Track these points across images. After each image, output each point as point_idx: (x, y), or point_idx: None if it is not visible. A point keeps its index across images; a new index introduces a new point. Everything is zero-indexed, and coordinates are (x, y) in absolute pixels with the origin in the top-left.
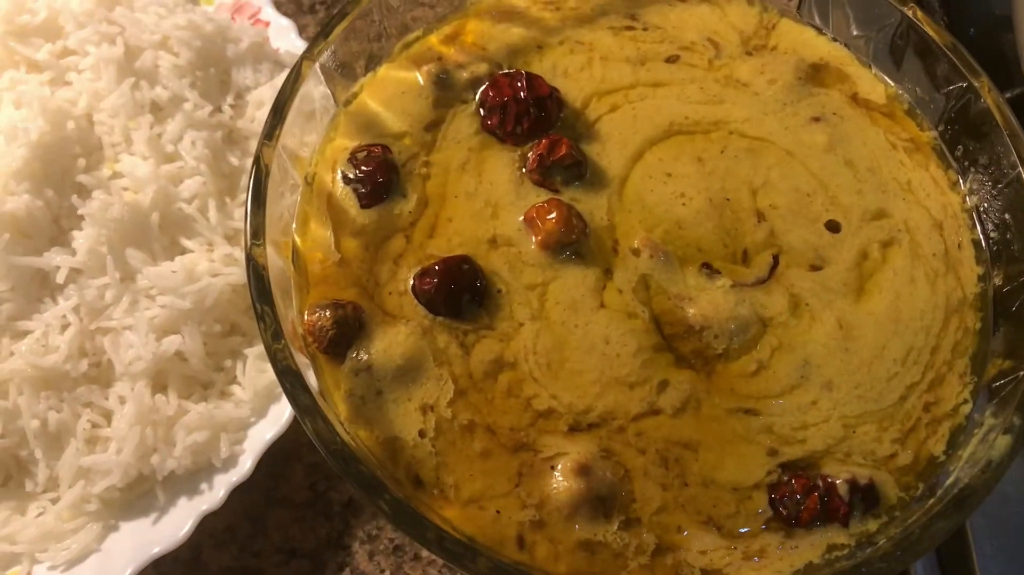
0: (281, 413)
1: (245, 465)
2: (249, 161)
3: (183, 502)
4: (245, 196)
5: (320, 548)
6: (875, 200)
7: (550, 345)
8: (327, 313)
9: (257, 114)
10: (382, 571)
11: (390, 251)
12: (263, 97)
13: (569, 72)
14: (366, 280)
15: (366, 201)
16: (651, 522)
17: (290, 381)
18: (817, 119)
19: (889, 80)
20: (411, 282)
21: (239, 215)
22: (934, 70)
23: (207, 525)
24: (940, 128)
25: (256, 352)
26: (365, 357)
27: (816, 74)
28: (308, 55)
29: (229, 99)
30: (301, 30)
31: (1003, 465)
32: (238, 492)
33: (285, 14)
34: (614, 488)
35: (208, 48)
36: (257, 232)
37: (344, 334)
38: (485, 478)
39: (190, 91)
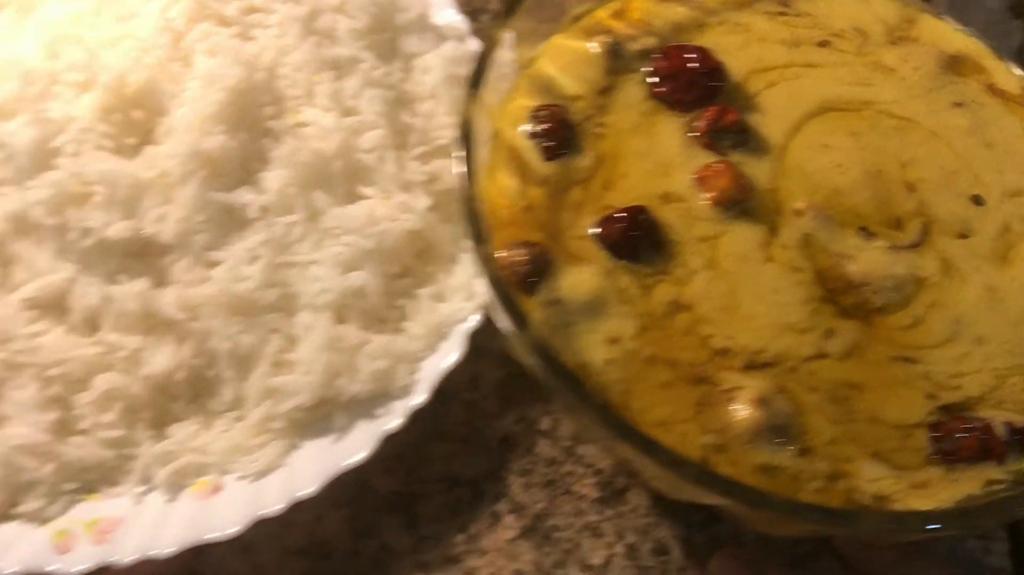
0: (450, 349)
1: (422, 393)
2: (418, 120)
3: (363, 424)
4: (420, 150)
5: (479, 479)
6: (1015, 180)
7: (723, 291)
8: (522, 251)
9: (424, 79)
10: (536, 502)
11: (571, 200)
12: (429, 64)
13: (729, 50)
14: (550, 225)
15: (548, 155)
16: (824, 452)
17: (501, 291)
18: (959, 104)
19: (1021, 72)
20: (594, 228)
21: (413, 168)
22: None
23: (375, 452)
24: None
25: (427, 293)
26: (555, 292)
27: (955, 65)
28: (502, 23)
29: (398, 64)
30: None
31: None
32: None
33: None
34: (789, 419)
35: (381, 15)
36: (469, 175)
37: (536, 270)
38: (668, 406)
39: (367, 52)
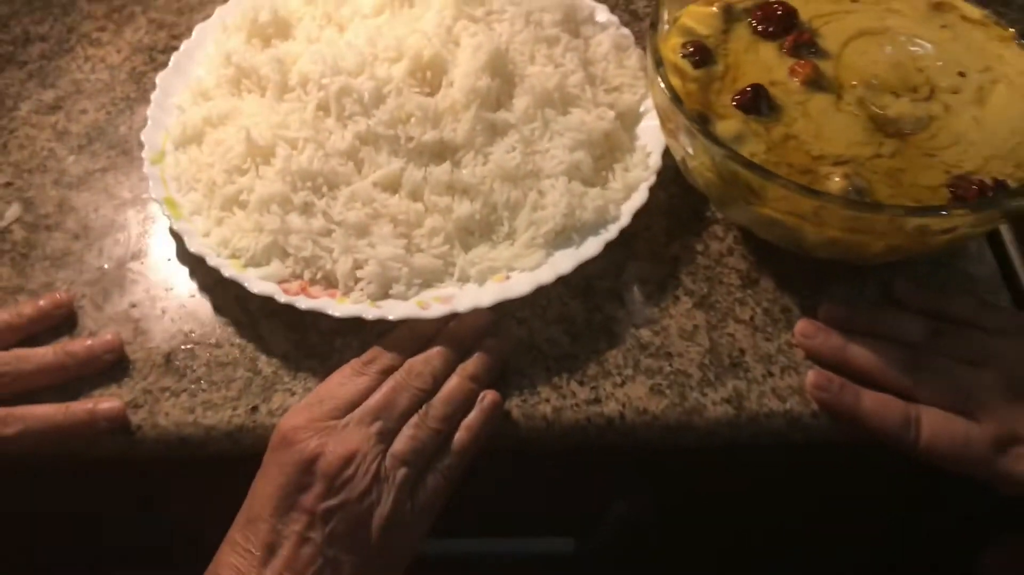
0: (639, 197)
1: (627, 217)
2: (599, 70)
3: (591, 239)
4: (603, 87)
5: (663, 278)
6: (981, 62)
7: (813, 128)
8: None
9: (599, 49)
10: (701, 289)
11: (714, 88)
12: (600, 40)
13: (798, 5)
14: (704, 103)
15: (696, 65)
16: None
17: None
18: (943, 26)
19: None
20: (732, 99)
21: (599, 96)
22: None
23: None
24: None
25: (619, 166)
26: (713, 134)
27: (939, 5)
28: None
29: (581, 40)
30: None
31: None
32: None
33: None
34: (863, 185)
35: (568, 13)
36: (658, 62)
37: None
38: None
39: (563, 33)
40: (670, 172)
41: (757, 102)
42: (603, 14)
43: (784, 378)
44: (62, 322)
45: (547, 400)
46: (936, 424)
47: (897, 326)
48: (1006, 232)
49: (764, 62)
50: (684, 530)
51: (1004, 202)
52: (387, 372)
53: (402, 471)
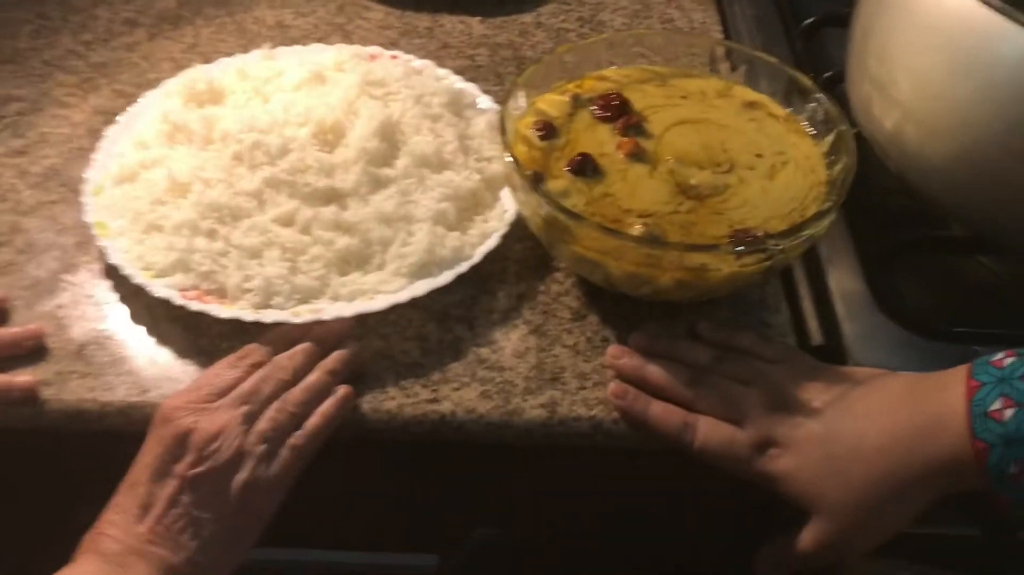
0: (491, 242)
1: (477, 258)
2: (474, 143)
3: (446, 273)
4: (475, 156)
5: (508, 310)
6: (775, 147)
7: (629, 189)
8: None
9: (477, 128)
10: (536, 319)
11: (554, 156)
12: (478, 120)
13: (633, 97)
14: (543, 166)
15: (542, 137)
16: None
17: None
18: (752, 120)
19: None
20: (565, 165)
21: (471, 163)
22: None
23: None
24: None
25: (479, 218)
26: (545, 190)
27: (751, 104)
28: (516, 83)
29: (463, 120)
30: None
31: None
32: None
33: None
34: (658, 233)
35: (454, 98)
36: (507, 145)
37: (534, 182)
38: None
39: (448, 113)
40: (526, 230)
41: (584, 167)
42: (486, 102)
43: (594, 391)
44: None
45: (393, 398)
46: (708, 429)
47: (689, 352)
48: (803, 287)
49: (598, 138)
50: (545, 560)
51: (765, 243)
52: (258, 366)
53: (261, 447)
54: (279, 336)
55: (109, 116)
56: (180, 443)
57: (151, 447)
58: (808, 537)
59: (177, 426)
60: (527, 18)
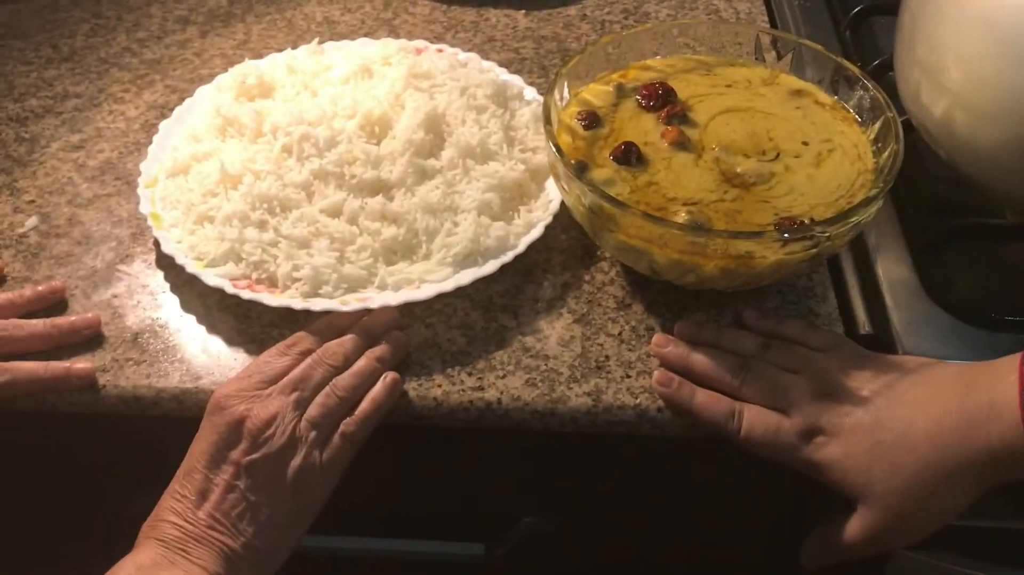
0: (536, 231)
1: (522, 247)
2: (518, 134)
3: (491, 262)
4: (519, 147)
5: (553, 299)
6: (823, 135)
7: (673, 177)
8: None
9: (521, 119)
10: (581, 309)
11: (598, 145)
12: (523, 111)
13: (678, 87)
14: (588, 155)
15: (586, 127)
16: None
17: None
18: (798, 108)
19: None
20: (609, 154)
21: (515, 153)
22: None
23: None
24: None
25: (524, 208)
26: (590, 179)
27: (798, 92)
28: (560, 73)
29: (508, 111)
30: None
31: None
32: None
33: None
34: (704, 221)
35: (499, 90)
36: (548, 121)
37: (578, 171)
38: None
39: (492, 104)
40: (571, 219)
41: (628, 155)
42: (531, 93)
43: (638, 380)
44: (55, 305)
45: (439, 386)
46: (754, 417)
47: (735, 340)
48: (850, 275)
49: (643, 127)
50: (590, 549)
51: (812, 230)
52: (307, 354)
53: (313, 433)
54: (327, 324)
55: (163, 111)
56: (234, 430)
57: (206, 435)
58: (854, 527)
59: (231, 414)
60: (572, 11)
